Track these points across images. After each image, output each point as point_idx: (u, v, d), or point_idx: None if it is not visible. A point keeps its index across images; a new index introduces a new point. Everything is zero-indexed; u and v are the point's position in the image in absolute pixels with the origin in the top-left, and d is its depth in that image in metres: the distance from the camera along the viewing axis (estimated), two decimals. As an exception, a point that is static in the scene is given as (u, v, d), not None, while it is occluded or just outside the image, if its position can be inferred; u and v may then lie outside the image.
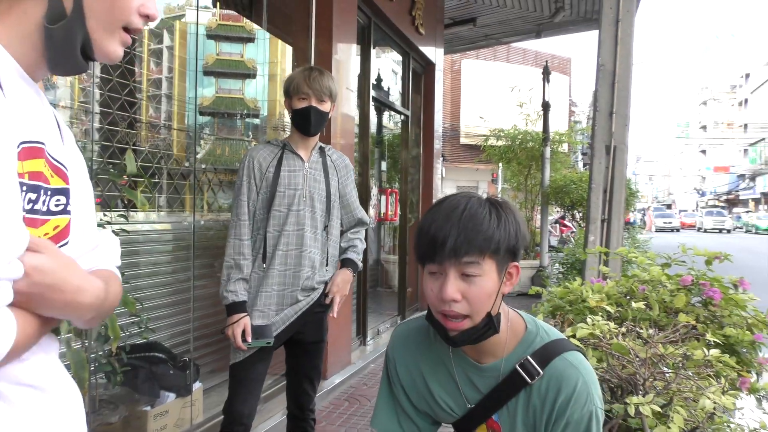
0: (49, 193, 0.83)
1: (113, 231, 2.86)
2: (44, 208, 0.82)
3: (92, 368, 2.74)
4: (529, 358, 1.28)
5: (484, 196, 1.31)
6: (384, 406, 1.48)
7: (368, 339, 5.90)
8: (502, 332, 1.30)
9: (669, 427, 1.47)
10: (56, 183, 0.85)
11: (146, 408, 3.05)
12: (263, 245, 2.42)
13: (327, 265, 2.51)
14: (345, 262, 2.60)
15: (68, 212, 0.87)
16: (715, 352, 1.74)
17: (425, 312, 1.46)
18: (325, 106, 2.47)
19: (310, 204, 2.46)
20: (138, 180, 3.13)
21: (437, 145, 7.95)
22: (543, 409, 1.26)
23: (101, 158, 2.91)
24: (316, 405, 2.68)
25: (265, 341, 2.38)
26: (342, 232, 2.66)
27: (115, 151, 3.00)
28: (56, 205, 0.85)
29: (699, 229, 39.07)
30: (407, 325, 1.50)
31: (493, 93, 20.79)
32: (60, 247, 0.85)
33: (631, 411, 1.54)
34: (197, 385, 3.37)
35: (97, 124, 2.87)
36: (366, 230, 2.76)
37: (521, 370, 1.27)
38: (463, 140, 23.27)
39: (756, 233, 35.81)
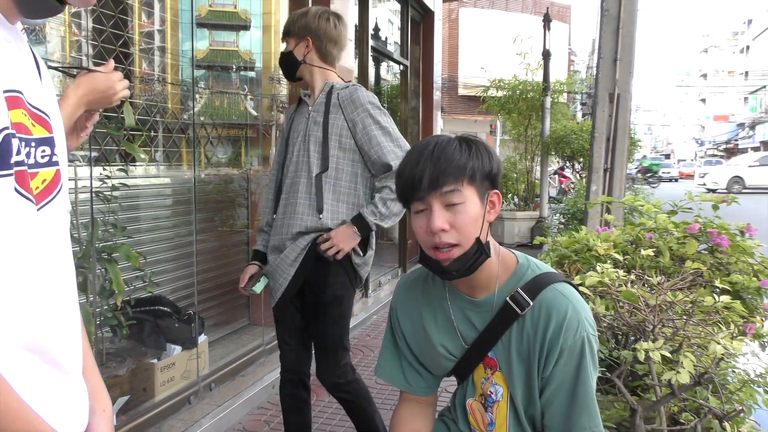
0: (33, 144, 0.78)
1: (113, 186, 2.83)
2: (31, 161, 0.78)
3: (98, 322, 2.75)
4: (519, 290, 1.31)
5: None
6: (388, 356, 1.52)
7: (370, 291, 5.93)
8: (494, 266, 1.33)
9: (679, 372, 1.47)
10: (39, 132, 0.80)
11: (153, 361, 3.08)
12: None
13: (321, 212, 2.20)
14: (353, 218, 2.23)
15: (55, 163, 0.83)
16: (725, 298, 1.73)
17: None
18: (289, 47, 2.30)
19: (306, 149, 2.25)
20: (136, 134, 3.08)
21: (437, 96, 7.84)
22: (536, 338, 1.28)
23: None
24: (344, 377, 2.31)
25: (258, 282, 2.39)
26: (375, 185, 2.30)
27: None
28: (42, 157, 0.80)
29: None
30: (409, 275, 1.53)
31: (492, 42, 20.40)
32: (50, 200, 0.81)
33: (641, 357, 1.55)
34: (202, 338, 3.39)
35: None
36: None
37: (512, 302, 1.30)
38: (461, 91, 22.95)
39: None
